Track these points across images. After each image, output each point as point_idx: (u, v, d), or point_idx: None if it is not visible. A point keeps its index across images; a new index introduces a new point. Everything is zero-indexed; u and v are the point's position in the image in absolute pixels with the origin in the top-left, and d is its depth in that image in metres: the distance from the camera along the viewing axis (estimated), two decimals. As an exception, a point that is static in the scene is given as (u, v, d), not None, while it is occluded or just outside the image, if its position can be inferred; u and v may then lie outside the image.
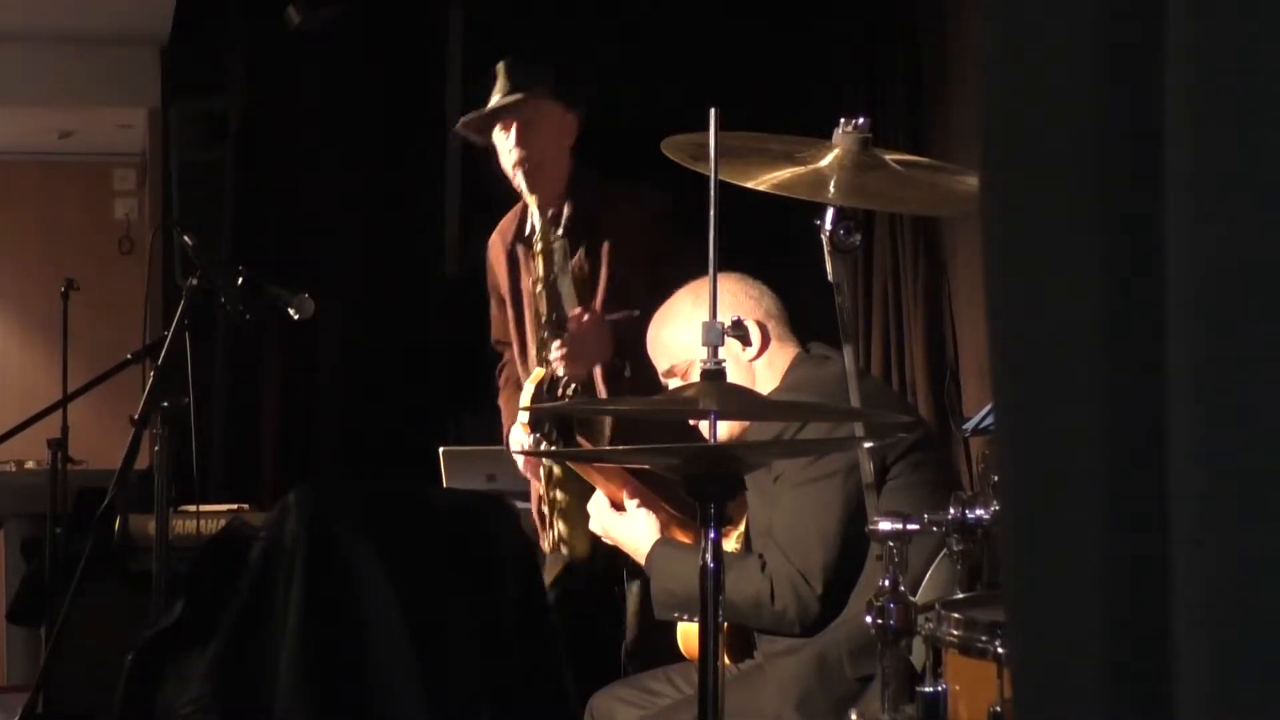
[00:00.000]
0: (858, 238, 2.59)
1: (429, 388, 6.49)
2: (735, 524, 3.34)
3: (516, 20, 6.16)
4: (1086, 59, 0.90)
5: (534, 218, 4.09)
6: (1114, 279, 0.90)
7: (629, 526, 3.32)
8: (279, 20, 6.29)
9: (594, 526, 3.43)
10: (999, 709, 2.15)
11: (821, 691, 2.99)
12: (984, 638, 2.20)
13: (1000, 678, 2.16)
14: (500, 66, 4.21)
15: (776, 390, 3.17)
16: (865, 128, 2.67)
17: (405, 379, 6.51)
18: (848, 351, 2.65)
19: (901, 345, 5.43)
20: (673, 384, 3.30)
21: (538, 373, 4.00)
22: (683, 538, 3.33)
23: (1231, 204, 0.82)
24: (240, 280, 4.03)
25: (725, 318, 3.04)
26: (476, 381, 4.69)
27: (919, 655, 2.46)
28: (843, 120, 2.67)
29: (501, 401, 4.44)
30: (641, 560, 3.29)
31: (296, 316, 4.09)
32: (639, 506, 3.33)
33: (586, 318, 3.98)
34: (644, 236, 4.10)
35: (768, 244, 4.44)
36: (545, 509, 4.08)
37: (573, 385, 4.07)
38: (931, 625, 2.32)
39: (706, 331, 2.29)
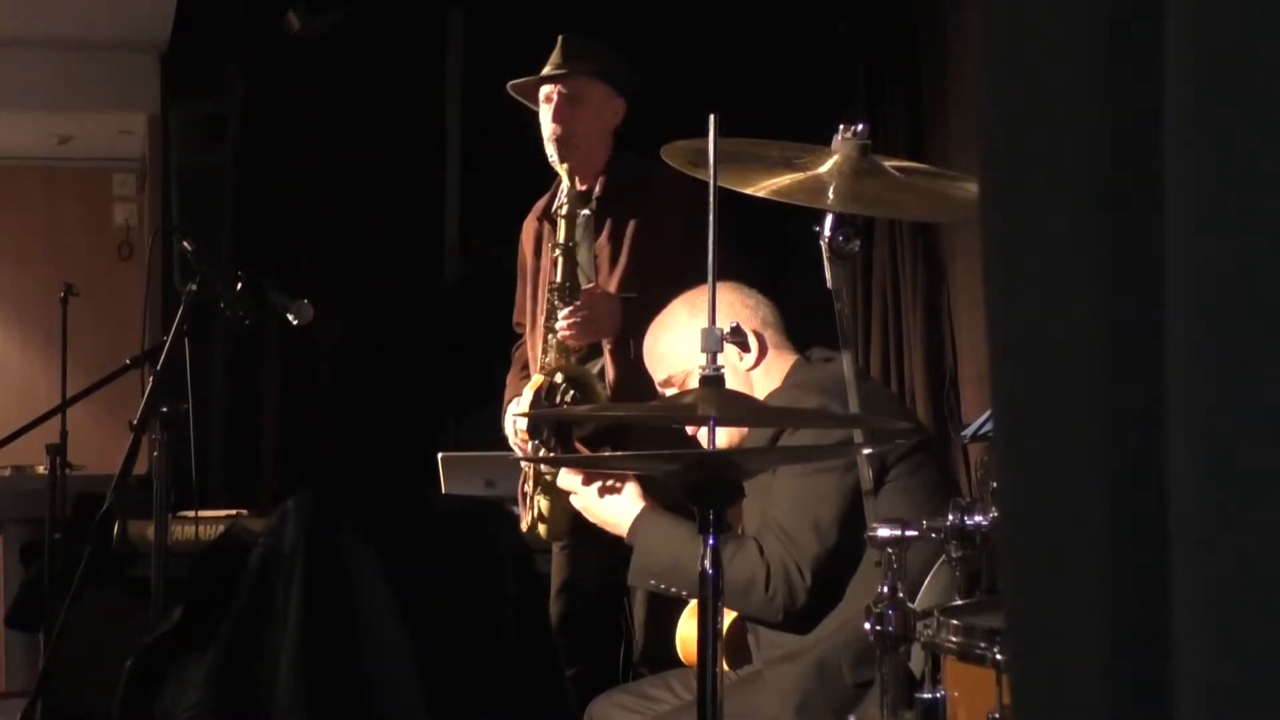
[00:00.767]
0: (857, 244, 2.60)
1: (428, 393, 6.49)
2: (732, 529, 3.33)
3: (516, 27, 6.17)
4: (1087, 60, 0.90)
5: (563, 187, 4.08)
6: (1114, 281, 0.90)
7: (610, 500, 3.27)
8: (279, 26, 6.31)
9: (575, 502, 3.36)
10: (998, 715, 2.15)
11: (821, 697, 2.99)
12: (983, 644, 2.20)
13: (999, 684, 2.16)
14: (559, 39, 4.23)
15: (778, 390, 3.17)
16: (864, 134, 2.67)
17: (404, 384, 6.51)
18: (846, 357, 2.65)
19: (900, 352, 5.43)
20: (669, 394, 3.29)
21: (536, 379, 4.00)
22: None
23: (1232, 205, 0.82)
24: (240, 285, 4.04)
25: (725, 325, 3.05)
26: (475, 386, 4.69)
27: (918, 661, 2.46)
28: (842, 126, 2.67)
29: (508, 378, 4.43)
30: (624, 533, 3.24)
31: (295, 322, 4.10)
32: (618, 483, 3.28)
33: (599, 291, 3.98)
34: (675, 223, 4.07)
35: (767, 250, 4.44)
36: (528, 486, 4.06)
37: (570, 393, 4.06)
38: (930, 632, 2.32)
39: (706, 337, 2.29)
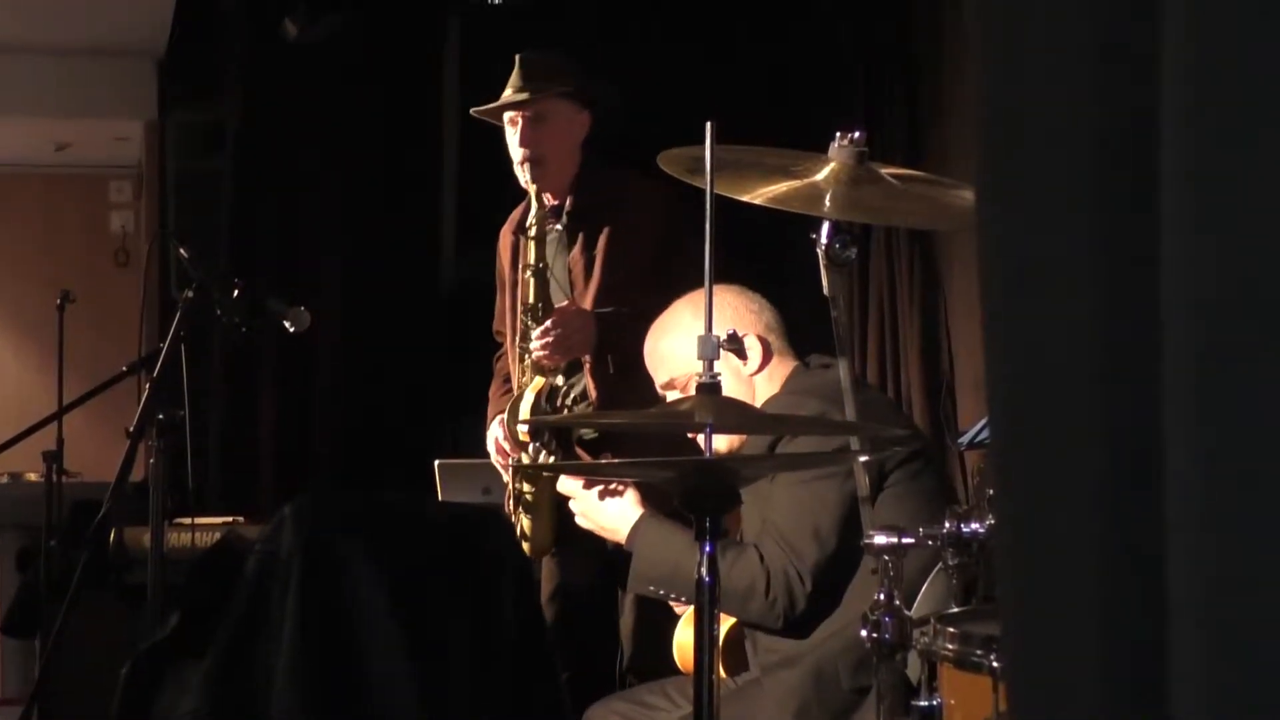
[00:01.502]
0: (853, 251, 2.59)
1: (425, 400, 6.49)
2: (730, 535, 3.33)
3: (514, 33, 6.17)
4: (1085, 61, 0.90)
5: (532, 206, 4.08)
6: (1111, 284, 0.90)
7: (609, 506, 3.26)
8: (276, 32, 6.31)
9: (573, 507, 3.34)
10: (995, 722, 2.15)
11: (818, 704, 2.99)
12: (979, 652, 2.20)
13: (996, 692, 2.16)
14: (517, 60, 4.21)
15: (776, 396, 3.16)
16: (861, 142, 2.67)
17: (401, 391, 6.51)
18: (843, 365, 2.65)
19: (897, 359, 5.44)
20: (671, 396, 3.29)
21: (538, 381, 3.99)
22: None
23: (1232, 205, 0.82)
24: (236, 292, 4.03)
25: (723, 331, 3.04)
26: (472, 393, 4.69)
27: (914, 669, 2.46)
28: (839, 134, 2.67)
29: (490, 392, 4.43)
30: (621, 539, 3.23)
31: (292, 329, 4.10)
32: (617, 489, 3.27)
33: (572, 309, 3.97)
34: (649, 233, 4.08)
35: (764, 257, 4.44)
36: (511, 504, 4.06)
37: (572, 395, 4.06)
38: (927, 639, 2.32)
39: (702, 345, 2.29)
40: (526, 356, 3.99)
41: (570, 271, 4.14)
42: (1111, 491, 0.91)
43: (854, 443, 2.75)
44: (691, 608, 2.98)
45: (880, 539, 2.40)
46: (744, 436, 3.15)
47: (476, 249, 4.60)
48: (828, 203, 2.59)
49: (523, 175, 4.10)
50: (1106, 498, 0.91)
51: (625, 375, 3.84)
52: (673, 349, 3.25)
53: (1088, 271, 0.90)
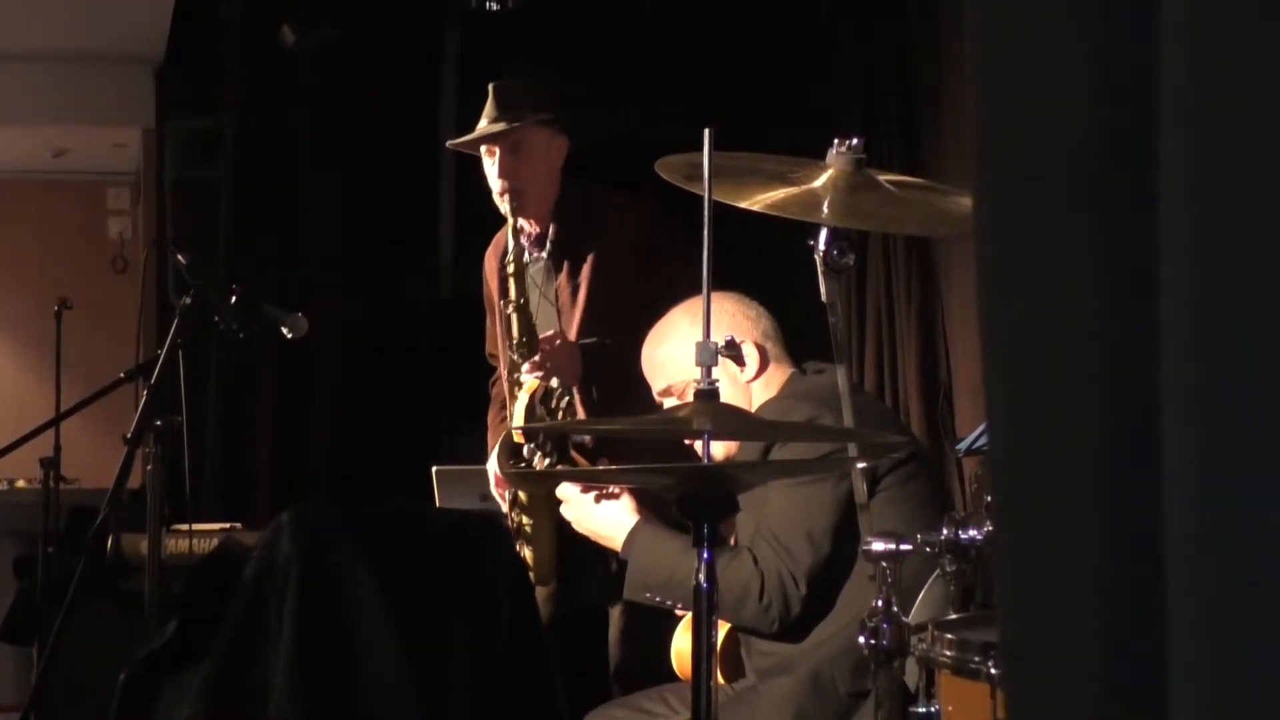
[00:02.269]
0: (851, 258, 2.60)
1: (423, 407, 6.49)
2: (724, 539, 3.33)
3: (511, 40, 6.18)
4: (1085, 61, 0.90)
5: (510, 240, 4.08)
6: (1109, 290, 0.90)
7: (604, 511, 3.26)
8: (274, 40, 6.31)
9: (566, 513, 3.34)
10: (993, 728, 2.15)
11: (816, 710, 2.99)
12: (977, 658, 2.20)
13: (994, 698, 2.16)
14: (490, 89, 4.21)
15: (771, 401, 3.16)
16: (859, 148, 2.67)
17: (399, 398, 6.50)
18: (841, 371, 2.65)
19: (895, 366, 5.44)
20: (668, 403, 3.29)
21: (531, 383, 3.99)
22: None
23: (1232, 206, 0.82)
24: (234, 299, 4.03)
25: (720, 338, 3.05)
26: (470, 401, 4.69)
27: (912, 676, 2.46)
28: (837, 141, 2.68)
29: (489, 418, 4.44)
30: (617, 546, 3.23)
31: (290, 335, 4.09)
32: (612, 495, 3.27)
33: (559, 341, 3.98)
34: (631, 253, 4.10)
35: (761, 264, 4.44)
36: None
37: (566, 398, 4.06)
38: (925, 646, 2.32)
39: (700, 351, 2.30)
40: (518, 390, 4.00)
41: (557, 298, 4.15)
42: (1111, 493, 0.91)
43: (851, 449, 2.76)
44: (688, 614, 2.98)
45: (878, 545, 2.40)
46: (739, 442, 3.15)
47: (474, 256, 4.60)
48: (825, 209, 2.59)
49: (503, 206, 4.12)
50: (1106, 499, 0.91)
51: (609, 405, 3.87)
52: (670, 356, 3.25)
53: (1088, 271, 0.90)
